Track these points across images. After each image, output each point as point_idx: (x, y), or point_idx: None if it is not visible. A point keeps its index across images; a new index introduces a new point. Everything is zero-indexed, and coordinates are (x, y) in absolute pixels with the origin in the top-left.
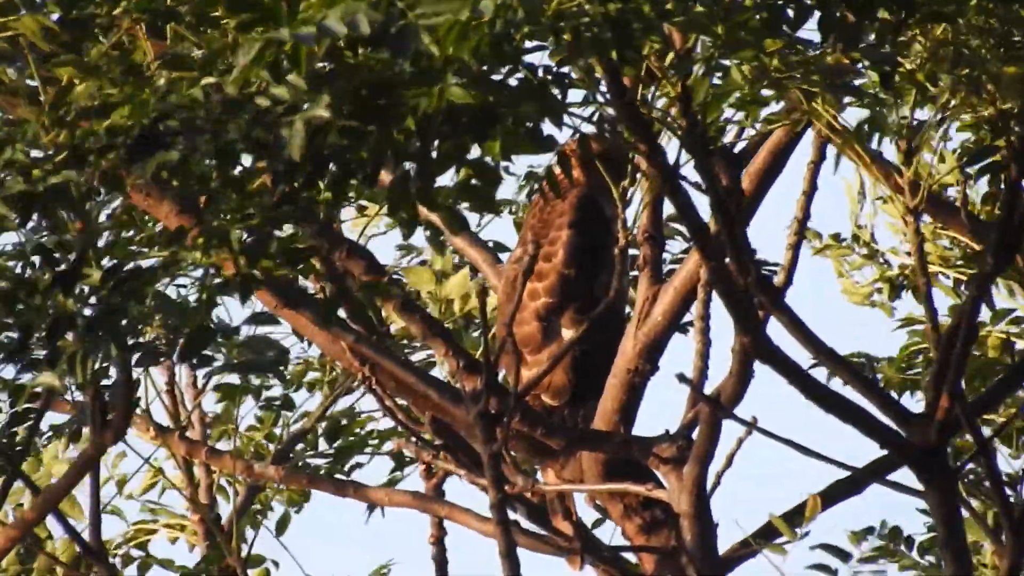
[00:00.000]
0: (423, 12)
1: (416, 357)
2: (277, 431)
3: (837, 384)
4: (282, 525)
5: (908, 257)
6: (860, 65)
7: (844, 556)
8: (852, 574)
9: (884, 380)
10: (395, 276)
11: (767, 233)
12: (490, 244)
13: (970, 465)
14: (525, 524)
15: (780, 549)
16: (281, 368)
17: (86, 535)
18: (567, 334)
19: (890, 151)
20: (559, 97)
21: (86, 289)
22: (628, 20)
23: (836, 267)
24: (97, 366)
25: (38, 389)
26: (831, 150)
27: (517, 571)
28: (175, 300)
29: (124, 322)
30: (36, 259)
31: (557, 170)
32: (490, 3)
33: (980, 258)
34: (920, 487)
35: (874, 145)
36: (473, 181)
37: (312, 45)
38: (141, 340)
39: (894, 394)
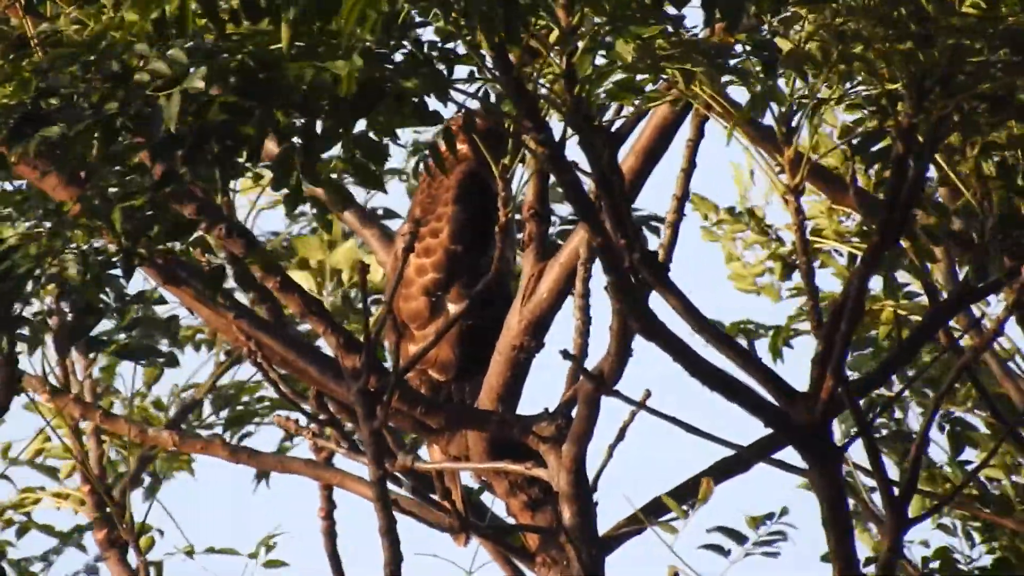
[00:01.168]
0: None
1: None
2: (165, 399)
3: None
4: (152, 490)
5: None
6: (741, 47)
7: (740, 539)
8: (744, 555)
9: (770, 347)
10: (284, 246)
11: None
12: (379, 212)
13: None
14: (411, 497)
15: (670, 527)
16: (171, 354)
17: None
18: (453, 309)
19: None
20: (444, 73)
21: None
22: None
23: (726, 249)
24: None
25: None
26: (717, 128)
27: (397, 548)
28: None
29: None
30: None
31: (442, 146)
32: None
33: (869, 235)
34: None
35: (767, 121)
36: (358, 156)
37: None
38: (24, 316)
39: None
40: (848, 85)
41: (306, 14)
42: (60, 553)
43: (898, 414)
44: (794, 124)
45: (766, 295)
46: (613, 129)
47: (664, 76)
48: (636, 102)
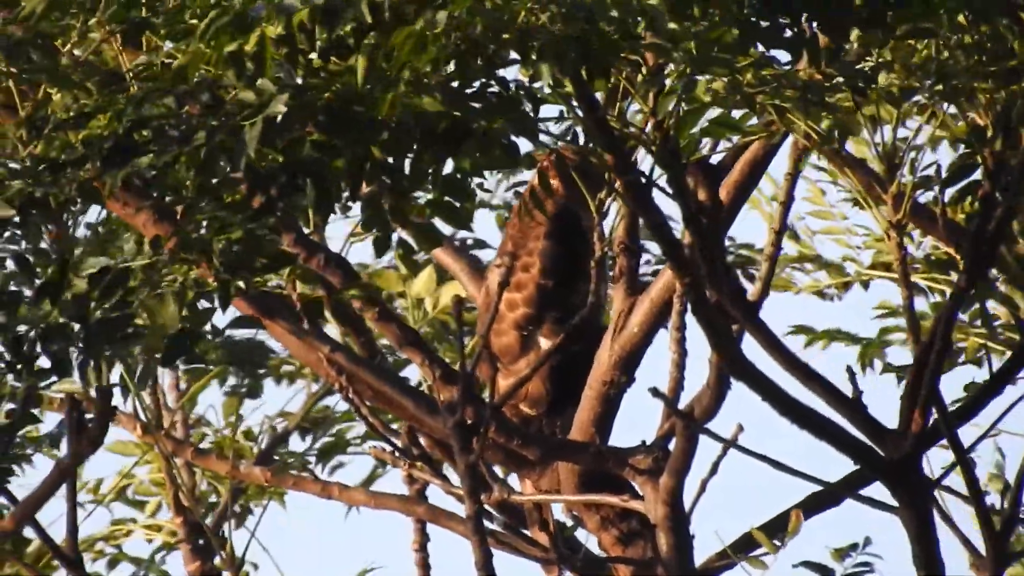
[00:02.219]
0: None
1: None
2: (256, 429)
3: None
4: (241, 520)
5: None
6: (834, 81)
7: (827, 572)
8: None
9: (859, 358)
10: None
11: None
12: (469, 243)
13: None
14: (505, 531)
15: (760, 563)
16: (262, 371)
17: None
18: (545, 344)
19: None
20: (531, 112)
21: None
22: (590, 40)
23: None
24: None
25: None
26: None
27: None
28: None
29: (127, 331)
30: (11, 267)
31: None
32: (443, 15)
33: (956, 271)
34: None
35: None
36: (446, 198)
37: (261, 14)
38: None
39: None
40: (932, 119)
41: (376, 50)
42: None
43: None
44: (896, 161)
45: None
46: (710, 163)
47: (758, 112)
48: (734, 138)
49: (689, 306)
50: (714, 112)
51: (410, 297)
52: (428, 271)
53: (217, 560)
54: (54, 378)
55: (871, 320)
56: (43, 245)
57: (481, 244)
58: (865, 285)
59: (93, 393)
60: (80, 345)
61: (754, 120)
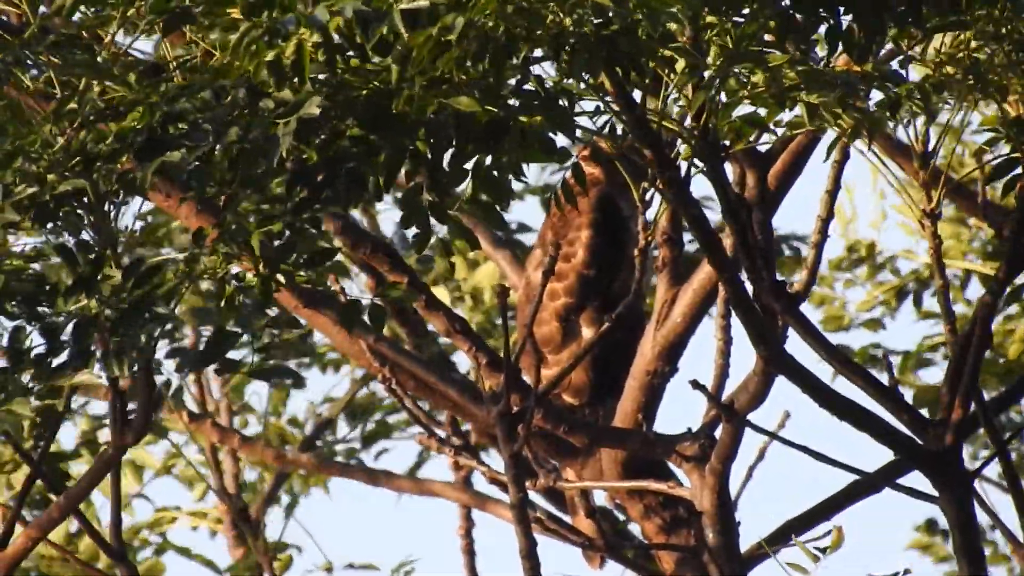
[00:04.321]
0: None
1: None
2: (301, 416)
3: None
4: (290, 509)
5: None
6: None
7: None
8: None
9: (899, 370)
10: (428, 257)
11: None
12: (513, 226)
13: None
14: (554, 513)
15: (801, 568)
16: (297, 375)
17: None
18: (587, 333)
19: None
20: (568, 108)
21: (107, 291)
22: (617, 42)
23: (817, 295)
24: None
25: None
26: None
27: (537, 571)
28: (199, 302)
29: (148, 316)
30: (55, 260)
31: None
32: (461, 20)
33: (997, 258)
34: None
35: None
36: (482, 196)
37: (290, 27)
38: (171, 340)
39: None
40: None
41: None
42: None
43: None
44: (931, 149)
45: (866, 328)
46: (759, 151)
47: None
48: (779, 130)
49: (730, 302)
50: (745, 109)
51: (470, 285)
52: (492, 265)
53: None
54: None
55: (914, 326)
56: (87, 237)
57: (524, 228)
58: (917, 299)
59: (124, 383)
60: (106, 335)
61: (785, 115)
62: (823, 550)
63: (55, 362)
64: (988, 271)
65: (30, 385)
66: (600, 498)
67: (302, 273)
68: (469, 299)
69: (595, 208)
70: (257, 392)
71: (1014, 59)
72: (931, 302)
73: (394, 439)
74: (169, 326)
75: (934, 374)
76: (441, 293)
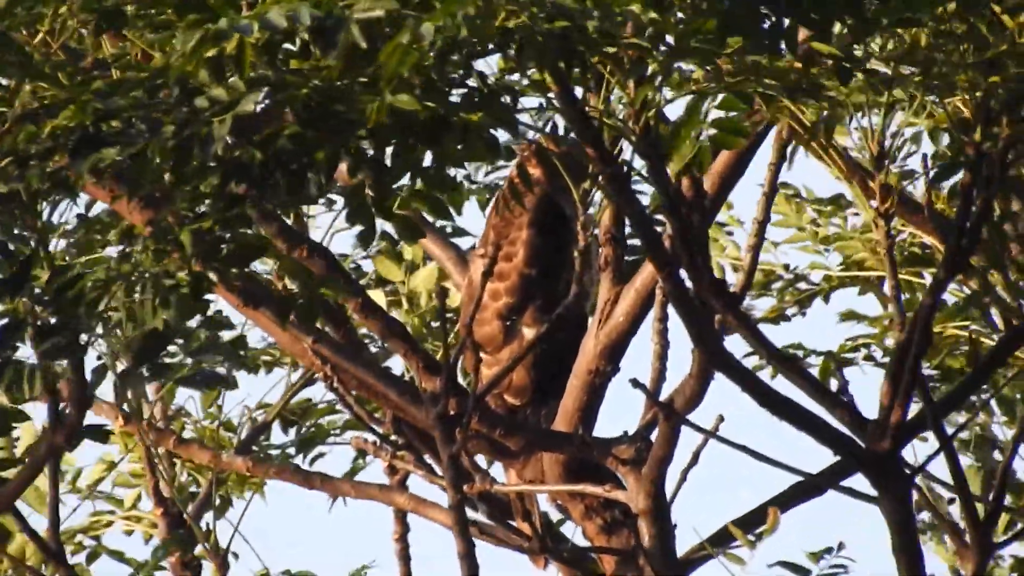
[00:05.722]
0: (358, 7)
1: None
2: (236, 420)
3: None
4: (221, 511)
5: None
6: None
7: (804, 573)
8: None
9: (820, 373)
10: (356, 265)
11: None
12: (448, 231)
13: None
14: (488, 521)
15: (738, 559)
16: (230, 377)
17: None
18: (528, 334)
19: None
20: (511, 105)
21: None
22: (570, 37)
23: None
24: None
25: None
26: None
27: (475, 572)
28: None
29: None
30: None
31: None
32: (430, 27)
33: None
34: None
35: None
36: (428, 190)
37: (249, 35)
38: (94, 348)
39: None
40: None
41: (350, 57)
42: None
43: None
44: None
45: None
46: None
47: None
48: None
49: (670, 298)
50: (716, 115)
51: (408, 288)
52: (431, 268)
53: (198, 550)
54: None
55: (834, 328)
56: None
57: (461, 232)
58: (826, 298)
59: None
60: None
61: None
62: (759, 535)
63: None
64: (911, 277)
65: None
66: (542, 498)
67: (234, 270)
68: (405, 302)
69: (536, 208)
70: (192, 396)
71: (963, 58)
72: (846, 303)
73: (330, 444)
74: (99, 329)
75: (854, 374)
76: (377, 296)
